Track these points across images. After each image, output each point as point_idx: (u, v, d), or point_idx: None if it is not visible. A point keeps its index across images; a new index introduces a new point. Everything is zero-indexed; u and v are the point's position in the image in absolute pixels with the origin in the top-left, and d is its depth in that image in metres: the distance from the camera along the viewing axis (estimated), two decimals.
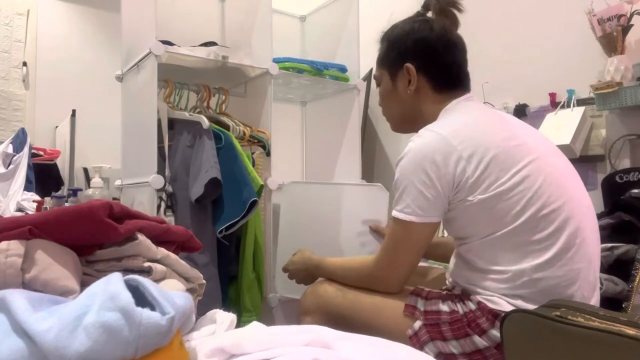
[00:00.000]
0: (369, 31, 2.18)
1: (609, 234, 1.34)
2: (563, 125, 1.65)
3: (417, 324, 0.99)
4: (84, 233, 0.59)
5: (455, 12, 1.14)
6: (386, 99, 1.18)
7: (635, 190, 1.37)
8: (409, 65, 1.10)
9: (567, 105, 1.71)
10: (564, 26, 1.76)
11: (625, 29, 1.53)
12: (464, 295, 0.98)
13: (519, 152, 0.96)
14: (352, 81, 1.90)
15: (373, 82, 2.33)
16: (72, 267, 0.57)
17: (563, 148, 1.61)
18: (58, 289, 0.54)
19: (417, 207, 0.97)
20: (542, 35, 1.83)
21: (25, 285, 0.54)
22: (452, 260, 1.10)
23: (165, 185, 1.43)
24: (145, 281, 0.49)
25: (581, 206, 0.98)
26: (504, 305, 0.92)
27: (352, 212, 1.51)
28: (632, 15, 1.52)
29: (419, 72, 1.10)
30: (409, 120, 1.15)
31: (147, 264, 0.64)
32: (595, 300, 0.98)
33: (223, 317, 0.65)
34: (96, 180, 2.02)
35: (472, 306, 0.95)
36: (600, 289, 1.16)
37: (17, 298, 0.47)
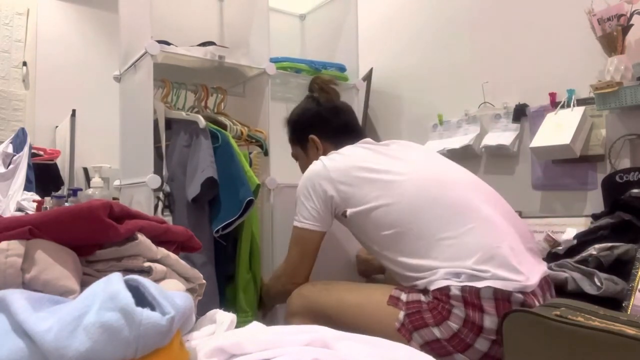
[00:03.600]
0: (369, 30, 2.19)
1: (609, 233, 1.34)
2: (563, 125, 1.65)
3: (401, 314, 1.06)
4: (84, 233, 0.59)
5: (334, 87, 1.46)
6: (306, 166, 1.38)
7: (635, 190, 1.37)
8: (312, 136, 1.40)
9: (567, 105, 1.71)
10: (564, 26, 1.76)
11: (625, 28, 1.52)
12: (425, 290, 1.07)
13: (381, 179, 1.17)
14: (351, 81, 1.90)
15: (373, 82, 2.34)
16: (72, 267, 0.57)
17: (563, 148, 1.61)
18: (58, 289, 0.54)
19: (301, 216, 1.25)
20: (542, 35, 1.83)
21: (25, 285, 0.54)
22: None
23: (162, 185, 1.43)
24: (145, 281, 0.49)
25: (476, 191, 1.17)
26: (442, 282, 1.03)
27: None
28: (632, 15, 1.52)
29: (321, 138, 1.39)
30: None
31: (147, 264, 0.63)
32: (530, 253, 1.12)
33: (223, 317, 0.65)
34: (96, 180, 2.02)
35: (431, 295, 1.04)
36: (600, 288, 1.16)
37: (17, 298, 0.47)
